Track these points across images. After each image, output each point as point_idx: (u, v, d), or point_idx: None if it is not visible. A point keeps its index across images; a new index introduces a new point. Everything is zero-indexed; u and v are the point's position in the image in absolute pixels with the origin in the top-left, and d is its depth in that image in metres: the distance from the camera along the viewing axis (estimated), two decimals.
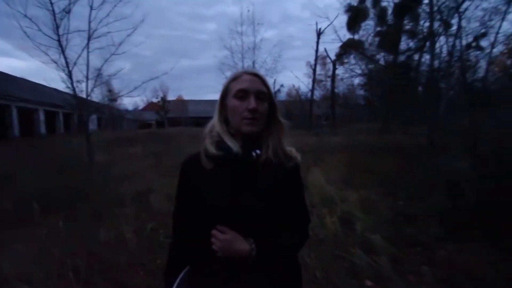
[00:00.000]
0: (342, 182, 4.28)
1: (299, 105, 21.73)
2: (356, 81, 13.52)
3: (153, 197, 4.05)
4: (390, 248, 2.29)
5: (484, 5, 6.62)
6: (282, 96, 23.09)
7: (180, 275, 0.81)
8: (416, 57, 11.60)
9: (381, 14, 12.79)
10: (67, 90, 6.03)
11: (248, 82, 0.79)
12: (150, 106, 28.92)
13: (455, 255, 2.22)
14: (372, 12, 13.09)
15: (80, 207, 3.69)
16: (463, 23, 6.39)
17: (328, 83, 19.49)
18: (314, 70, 16.98)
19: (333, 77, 15.77)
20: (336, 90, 17.32)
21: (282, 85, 22.24)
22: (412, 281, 1.93)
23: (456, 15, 6.16)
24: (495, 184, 2.41)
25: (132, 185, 4.77)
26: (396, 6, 12.50)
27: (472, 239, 2.32)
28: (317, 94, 21.36)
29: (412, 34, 11.82)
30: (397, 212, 3.16)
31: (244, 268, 0.75)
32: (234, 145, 0.77)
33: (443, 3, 6.81)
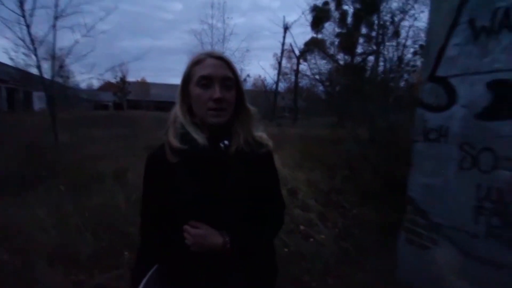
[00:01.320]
0: (295, 166, 5.31)
1: (264, 95, 22.68)
2: (317, 77, 14.86)
3: (131, 175, 4.62)
4: (320, 208, 3.32)
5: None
6: (248, 86, 23.78)
7: (149, 274, 0.78)
8: (370, 59, 13.21)
9: (342, 17, 14.13)
10: (9, 62, 5.96)
11: (212, 68, 0.72)
12: (106, 86, 27.44)
13: (361, 212, 3.32)
14: (334, 15, 14.39)
15: (58, 183, 4.11)
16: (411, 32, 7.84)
17: (293, 77, 20.75)
18: (280, 63, 17.99)
19: (297, 71, 16.95)
20: (300, 84, 18.59)
21: (248, 75, 22.84)
22: (329, 227, 2.96)
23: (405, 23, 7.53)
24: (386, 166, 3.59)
25: (106, 164, 5.22)
26: (355, 11, 13.93)
27: (354, 203, 3.48)
28: (282, 86, 22.49)
29: (368, 38, 13.39)
30: (332, 187, 4.24)
31: (218, 263, 0.73)
32: (199, 137, 0.72)
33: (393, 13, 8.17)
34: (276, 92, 18.52)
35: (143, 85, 27.69)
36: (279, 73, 18.30)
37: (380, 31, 7.96)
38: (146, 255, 0.82)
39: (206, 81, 0.72)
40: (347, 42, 13.46)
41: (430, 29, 1.74)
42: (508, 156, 1.38)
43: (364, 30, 13.58)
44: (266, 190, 0.81)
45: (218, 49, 12.30)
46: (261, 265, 0.80)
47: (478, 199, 1.49)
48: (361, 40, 13.81)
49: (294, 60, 21.50)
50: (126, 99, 26.11)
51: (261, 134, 0.82)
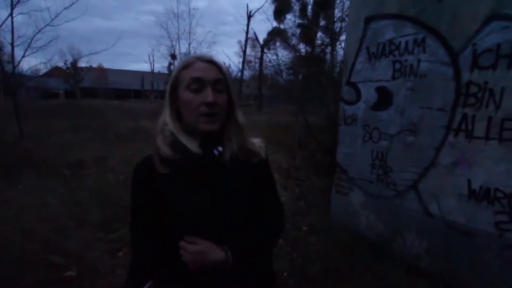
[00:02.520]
0: None
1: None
2: (280, 67, 15.81)
3: (112, 161, 5.09)
4: (282, 181, 4.25)
5: None
6: None
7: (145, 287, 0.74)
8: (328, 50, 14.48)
9: (302, 9, 15.10)
10: None
11: (202, 71, 0.69)
12: (55, 72, 25.42)
13: (313, 181, 4.32)
14: (295, 5, 15.30)
15: (35, 172, 4.43)
16: None
17: (258, 65, 21.48)
18: (244, 51, 18.54)
19: (261, 60, 17.69)
20: (264, 72, 19.43)
21: None
22: (289, 193, 3.89)
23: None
24: None
25: (84, 152, 5.57)
26: (314, 3, 14.96)
27: (308, 176, 4.51)
28: (247, 74, 23.13)
29: (326, 30, 14.58)
30: (292, 165, 5.23)
31: (216, 278, 0.70)
32: (191, 144, 0.69)
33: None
34: (241, 80, 19.14)
35: (100, 71, 26.18)
36: (243, 62, 18.93)
37: (334, 26, 9.03)
38: (138, 271, 0.77)
39: (197, 85, 0.68)
40: (307, 33, 14.54)
41: (346, 51, 2.66)
42: (386, 132, 2.36)
43: (323, 23, 14.76)
44: (263, 198, 0.79)
45: (184, 34, 12.44)
46: (260, 274, 0.78)
47: (372, 159, 2.48)
48: (320, 32, 14.98)
49: (259, 48, 22.17)
50: (80, 86, 24.56)
51: (254, 141, 0.80)
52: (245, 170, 0.75)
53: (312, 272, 2.22)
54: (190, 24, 13.12)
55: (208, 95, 0.67)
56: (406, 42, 2.14)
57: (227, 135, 0.74)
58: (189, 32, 12.65)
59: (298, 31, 15.24)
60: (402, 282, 2.03)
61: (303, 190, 4.04)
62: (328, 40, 12.64)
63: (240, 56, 20.43)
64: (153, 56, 35.91)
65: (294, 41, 15.37)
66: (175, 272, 0.72)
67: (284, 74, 16.45)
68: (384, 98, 2.34)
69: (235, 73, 22.66)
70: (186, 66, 0.71)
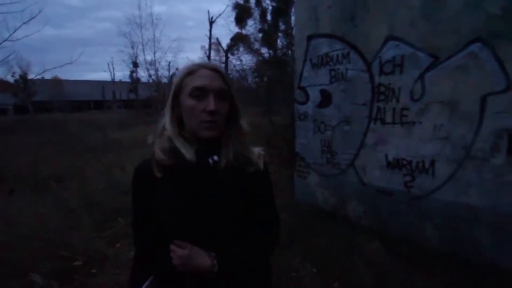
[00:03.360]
0: None
1: None
2: (245, 71, 16.50)
3: (87, 173, 5.30)
4: None
5: None
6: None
7: (145, 284, 0.78)
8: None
9: (262, 14, 15.98)
10: None
11: (206, 79, 0.71)
12: (1, 86, 23.62)
13: (280, 174, 4.98)
14: (255, 11, 16.13)
15: (11, 184, 4.56)
16: None
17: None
18: (209, 57, 18.93)
19: (226, 65, 18.25)
20: (230, 76, 19.98)
21: (177, 68, 23.01)
22: None
23: None
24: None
25: (54, 167, 5.67)
26: (273, 8, 15.91)
27: (276, 170, 5.20)
28: None
29: (286, 34, 15.58)
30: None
31: (203, 282, 0.72)
32: (187, 152, 0.71)
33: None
34: None
35: (55, 83, 24.74)
36: None
37: (293, 30, 9.92)
38: (141, 265, 0.82)
39: (200, 92, 0.70)
40: (268, 38, 15.42)
41: (296, 60, 3.33)
42: (329, 124, 3.05)
43: (283, 27, 15.75)
44: (258, 207, 0.80)
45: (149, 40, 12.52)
46: (250, 282, 0.78)
47: (321, 146, 3.16)
48: (281, 35, 15.93)
49: (223, 53, 22.69)
50: (33, 100, 23.07)
51: (253, 150, 0.81)
52: (240, 179, 0.76)
53: (281, 241, 2.82)
54: (154, 34, 13.27)
55: (210, 103, 0.70)
56: (337, 55, 2.86)
57: (225, 142, 0.75)
58: (153, 41, 12.79)
59: (260, 35, 16.11)
60: (349, 237, 2.71)
61: (273, 181, 4.68)
62: (287, 42, 13.63)
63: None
64: (112, 65, 34.55)
65: (257, 45, 16.22)
66: (168, 273, 0.75)
67: (249, 77, 17.18)
68: (325, 98, 3.04)
69: None
70: (190, 73, 0.73)
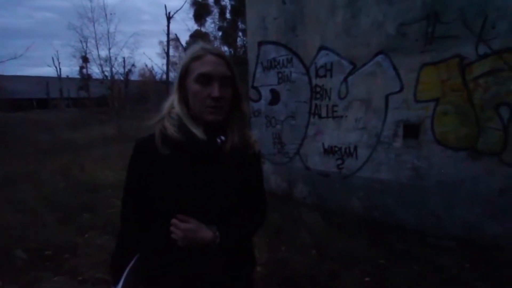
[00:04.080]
0: None
1: (154, 86, 22.57)
2: None
3: (42, 174, 5.22)
4: None
5: None
6: (134, 76, 23.02)
7: (131, 263, 0.82)
8: None
9: (221, 12, 16.25)
10: None
11: (211, 65, 0.75)
12: None
13: None
14: (214, 9, 16.33)
15: None
16: None
17: None
18: (168, 53, 18.68)
19: None
20: None
21: (133, 65, 22.10)
22: None
23: None
24: None
25: (1, 170, 5.45)
26: (232, 7, 16.25)
27: None
28: (172, 75, 23.07)
29: (245, 33, 16.04)
30: None
31: (203, 258, 0.78)
32: (197, 131, 0.75)
33: None
34: (167, 83, 19.20)
35: None
36: (168, 63, 19.03)
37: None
38: (126, 243, 0.86)
39: (205, 78, 0.74)
40: (227, 36, 15.75)
41: (249, 62, 3.80)
42: (279, 119, 3.59)
43: (242, 26, 16.18)
44: (252, 188, 0.87)
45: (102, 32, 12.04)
46: (242, 259, 0.87)
47: (273, 139, 3.69)
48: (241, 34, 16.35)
49: (182, 49, 22.42)
50: None
51: (251, 134, 0.87)
52: (240, 160, 0.81)
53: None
54: (108, 29, 12.77)
55: (215, 90, 0.73)
56: (283, 60, 3.39)
57: (230, 126, 0.80)
58: (108, 37, 12.30)
59: (220, 34, 16.38)
60: (296, 213, 3.27)
61: None
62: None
63: (163, 57, 20.41)
64: (58, 59, 31.79)
65: (216, 43, 16.44)
66: (161, 249, 0.78)
67: None
68: (275, 97, 3.57)
69: (159, 75, 22.39)
70: (196, 57, 0.76)
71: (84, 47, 12.94)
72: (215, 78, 0.74)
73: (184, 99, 0.78)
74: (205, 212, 0.78)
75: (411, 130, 2.57)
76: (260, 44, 3.61)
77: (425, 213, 2.56)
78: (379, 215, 2.84)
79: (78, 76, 25.64)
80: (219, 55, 0.78)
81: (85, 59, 24.35)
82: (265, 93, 3.67)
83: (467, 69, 2.24)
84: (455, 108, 2.33)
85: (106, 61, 11.05)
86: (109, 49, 11.06)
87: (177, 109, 0.77)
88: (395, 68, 2.57)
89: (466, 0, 2.18)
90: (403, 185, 2.68)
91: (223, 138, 0.79)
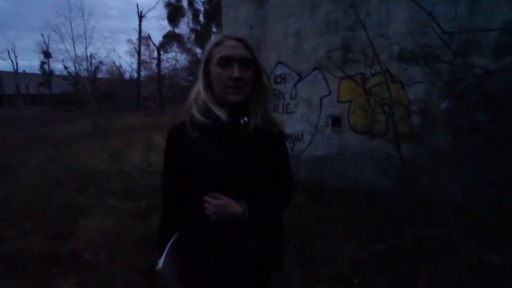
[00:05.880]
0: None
1: (123, 84, 22.75)
2: (179, 66, 17.47)
3: (21, 170, 5.89)
4: None
5: None
6: (102, 74, 22.94)
7: (170, 241, 0.94)
8: None
9: (195, 15, 17.26)
10: None
11: (231, 49, 0.84)
12: None
13: None
14: (188, 11, 17.30)
15: None
16: None
17: (154, 64, 22.24)
18: (139, 52, 19.20)
19: (159, 61, 18.86)
20: (162, 72, 20.47)
21: (101, 62, 22.04)
22: None
23: None
24: None
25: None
26: (205, 10, 17.33)
27: None
28: (142, 74, 23.36)
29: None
30: None
31: (235, 231, 0.88)
32: (221, 113, 0.84)
33: None
34: (138, 81, 19.64)
35: None
36: (139, 62, 19.51)
37: None
38: (169, 223, 0.99)
39: (226, 61, 0.83)
40: (200, 38, 16.79)
41: None
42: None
43: (215, 29, 17.29)
44: (279, 165, 0.96)
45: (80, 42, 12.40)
46: (272, 230, 0.96)
47: None
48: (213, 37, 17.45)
49: (153, 48, 22.90)
50: None
51: (274, 114, 0.97)
52: (266, 138, 0.91)
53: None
54: (85, 30, 13.20)
55: (235, 71, 0.83)
56: None
57: (252, 107, 0.89)
58: (85, 37, 12.76)
59: (193, 35, 17.33)
60: None
61: None
62: None
63: (132, 56, 20.77)
64: (15, 53, 30.28)
65: (189, 45, 17.41)
66: (199, 224, 0.90)
67: (184, 75, 18.13)
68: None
69: (129, 73, 22.59)
70: (217, 44, 0.87)
71: (47, 42, 13.15)
72: (235, 60, 0.84)
73: (208, 84, 0.89)
74: (235, 189, 0.87)
75: (336, 121, 3.96)
76: None
77: (345, 176, 3.95)
78: (317, 181, 4.20)
79: (38, 72, 24.91)
80: (239, 39, 0.87)
81: (46, 54, 23.85)
82: None
83: (366, 82, 3.67)
84: (360, 106, 3.75)
85: (82, 59, 11.53)
86: (86, 48, 11.58)
87: (202, 94, 0.88)
88: (325, 79, 3.95)
89: (363, 39, 3.60)
90: (331, 159, 4.06)
91: (246, 119, 0.87)
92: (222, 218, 0.86)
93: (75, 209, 3.51)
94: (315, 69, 4.02)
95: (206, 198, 0.87)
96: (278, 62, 4.36)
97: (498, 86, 2.89)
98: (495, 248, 2.37)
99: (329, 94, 3.96)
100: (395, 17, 3.42)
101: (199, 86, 0.90)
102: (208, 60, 0.89)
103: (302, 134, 4.29)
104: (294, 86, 4.26)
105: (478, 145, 2.96)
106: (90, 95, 11.47)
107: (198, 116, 0.86)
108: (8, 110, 20.27)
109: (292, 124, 4.36)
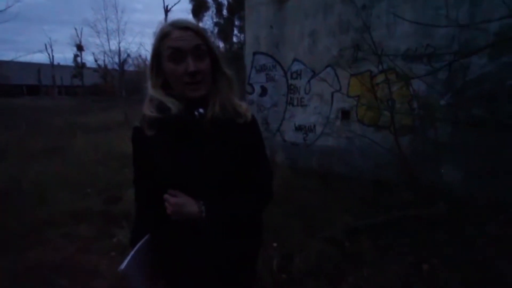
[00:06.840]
0: None
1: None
2: None
3: (76, 148, 6.84)
4: None
5: None
6: (127, 66, 24.16)
7: (141, 242, 0.91)
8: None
9: (218, 8, 17.84)
10: None
11: (180, 40, 0.76)
12: None
13: None
14: (212, 5, 17.91)
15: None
16: None
17: None
18: None
19: None
20: None
21: (128, 55, 23.24)
22: None
23: None
24: None
25: (37, 144, 7.00)
26: (228, 4, 17.85)
27: None
28: None
29: (241, 29, 17.68)
30: None
31: (194, 232, 0.83)
32: (174, 106, 0.78)
33: None
34: None
35: None
36: None
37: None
38: (141, 221, 0.98)
39: (177, 55, 0.76)
40: (223, 31, 17.38)
41: (246, 66, 5.57)
42: (266, 107, 5.38)
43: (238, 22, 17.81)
44: (248, 159, 0.86)
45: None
46: (243, 240, 0.88)
47: (261, 120, 5.48)
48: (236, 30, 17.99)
49: None
50: None
51: (240, 102, 0.88)
52: (228, 131, 0.83)
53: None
54: (119, 26, 14.29)
55: (190, 65, 0.75)
56: (270, 66, 5.19)
57: (212, 95, 0.82)
58: (118, 33, 13.82)
59: (216, 29, 17.95)
60: (276, 172, 5.06)
61: None
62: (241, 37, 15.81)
63: None
64: (51, 46, 32.67)
65: (213, 38, 18.03)
66: (162, 226, 0.87)
67: None
68: (264, 91, 5.36)
69: None
70: (163, 36, 0.79)
71: (77, 33, 14.29)
72: (187, 52, 0.77)
73: (162, 82, 0.83)
74: (196, 187, 0.83)
75: (345, 114, 4.41)
76: (254, 53, 5.39)
77: (352, 165, 4.40)
78: (327, 168, 4.68)
79: (71, 64, 26.79)
80: (187, 27, 0.78)
81: (79, 48, 25.62)
82: (257, 88, 5.45)
83: (373, 78, 4.08)
84: (367, 101, 4.17)
85: (115, 53, 12.49)
86: (119, 42, 12.53)
87: (151, 92, 0.83)
88: (336, 76, 4.40)
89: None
90: (341, 149, 4.52)
91: (201, 110, 0.82)
92: (179, 218, 0.83)
93: (118, 183, 4.27)
94: (327, 66, 4.47)
95: (166, 196, 0.84)
96: (295, 59, 4.85)
97: (493, 83, 3.23)
98: (478, 223, 2.77)
99: (340, 89, 4.41)
100: (401, 19, 3.79)
101: (148, 86, 0.85)
102: (157, 56, 0.82)
103: (314, 126, 4.78)
104: (308, 81, 4.73)
105: (476, 137, 3.32)
106: (121, 87, 12.45)
107: (148, 112, 0.81)
108: (44, 100, 22.09)
109: (306, 116, 4.85)
